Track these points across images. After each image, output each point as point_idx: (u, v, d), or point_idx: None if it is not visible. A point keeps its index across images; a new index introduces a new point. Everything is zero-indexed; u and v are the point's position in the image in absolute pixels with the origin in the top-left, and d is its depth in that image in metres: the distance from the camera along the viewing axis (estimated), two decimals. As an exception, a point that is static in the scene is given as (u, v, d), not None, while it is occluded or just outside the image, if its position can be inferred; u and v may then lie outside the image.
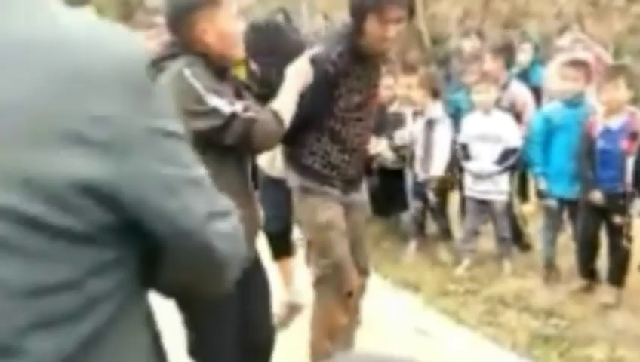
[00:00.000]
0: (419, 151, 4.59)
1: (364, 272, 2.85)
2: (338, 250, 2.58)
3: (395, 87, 4.90)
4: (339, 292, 2.60)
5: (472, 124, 4.38)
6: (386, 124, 4.76)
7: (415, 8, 2.52)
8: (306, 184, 2.60)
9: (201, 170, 0.82)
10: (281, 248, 3.55)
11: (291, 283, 3.66)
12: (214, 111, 1.91)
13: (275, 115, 2.08)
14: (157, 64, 1.94)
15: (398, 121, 4.83)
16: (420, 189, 4.65)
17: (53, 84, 0.68)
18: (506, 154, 4.26)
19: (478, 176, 4.33)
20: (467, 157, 4.38)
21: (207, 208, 0.81)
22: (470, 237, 4.47)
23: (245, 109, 1.97)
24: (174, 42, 2.03)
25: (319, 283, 2.64)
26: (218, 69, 2.01)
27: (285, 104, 2.16)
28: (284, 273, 3.64)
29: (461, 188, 4.81)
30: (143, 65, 0.75)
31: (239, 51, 2.09)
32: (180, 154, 0.79)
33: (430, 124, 4.56)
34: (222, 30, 1.99)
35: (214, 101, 1.91)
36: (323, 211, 2.58)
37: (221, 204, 0.85)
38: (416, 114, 4.68)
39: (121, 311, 0.75)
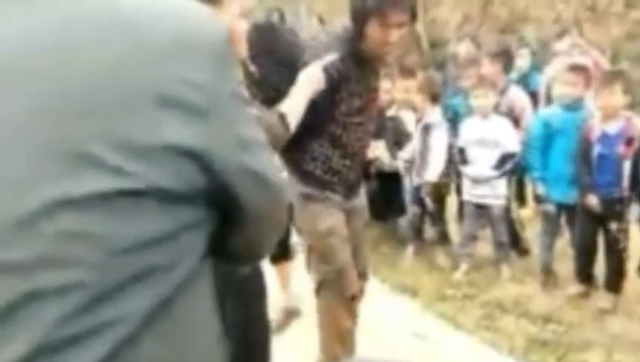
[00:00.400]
0: (415, 156, 4.60)
1: (362, 277, 2.84)
2: (340, 257, 2.57)
3: (393, 90, 4.91)
4: (342, 296, 2.59)
5: (470, 129, 4.37)
6: (384, 128, 4.76)
7: (417, 13, 2.51)
8: (307, 190, 2.59)
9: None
10: (279, 252, 3.55)
11: (288, 288, 3.66)
12: None
13: (282, 118, 2.08)
14: None
15: (397, 126, 4.84)
16: (417, 194, 4.66)
17: (147, 52, 0.72)
18: (504, 159, 4.26)
19: (476, 181, 4.33)
20: (465, 161, 4.38)
21: (272, 164, 0.90)
22: (468, 241, 4.47)
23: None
24: None
25: (321, 289, 2.63)
26: None
27: (293, 108, 2.16)
28: (282, 277, 3.64)
29: (459, 192, 4.82)
30: (222, 34, 0.80)
31: (241, 50, 2.09)
32: (250, 118, 0.86)
33: (427, 129, 4.57)
34: None
35: None
36: (324, 218, 2.57)
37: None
38: (419, 121, 4.68)
39: (200, 267, 0.80)
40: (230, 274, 1.73)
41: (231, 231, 0.85)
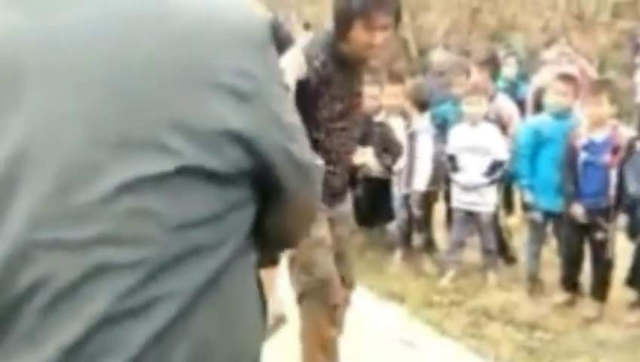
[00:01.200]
0: (402, 162, 4.60)
1: (349, 285, 2.81)
2: (322, 267, 2.53)
3: (381, 96, 4.90)
4: (325, 306, 2.55)
5: (459, 136, 4.37)
6: (372, 134, 4.75)
7: (401, 16, 2.49)
8: None
9: None
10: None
11: (275, 293, 3.64)
12: None
13: None
14: None
15: (384, 132, 4.83)
16: (405, 200, 4.66)
17: (203, 44, 0.79)
18: (493, 167, 4.26)
19: (466, 188, 4.32)
20: (455, 168, 4.37)
21: (309, 150, 0.97)
22: (455, 248, 4.47)
23: None
24: None
25: (304, 298, 2.59)
26: None
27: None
28: (268, 282, 3.62)
29: (447, 199, 4.82)
30: (265, 26, 0.86)
31: None
32: (291, 105, 0.93)
33: (413, 136, 4.57)
34: None
35: None
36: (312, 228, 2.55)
37: None
38: (407, 127, 4.68)
39: (244, 246, 0.87)
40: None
41: (268, 214, 0.91)
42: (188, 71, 0.77)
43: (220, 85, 0.78)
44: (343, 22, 2.36)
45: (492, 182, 4.31)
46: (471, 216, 4.39)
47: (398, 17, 2.43)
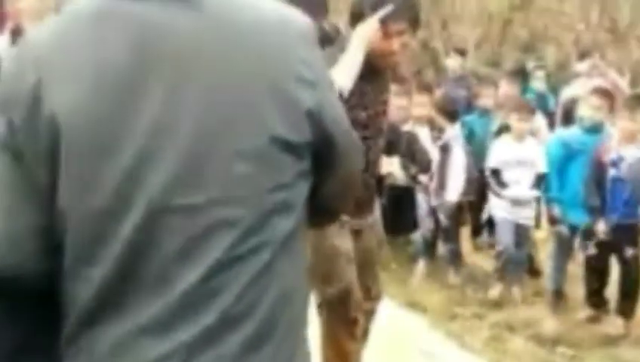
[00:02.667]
0: (435, 176, 4.57)
1: (375, 297, 2.74)
2: (343, 278, 2.49)
3: (409, 106, 4.89)
4: (344, 318, 2.51)
5: (504, 149, 4.30)
6: (399, 143, 4.75)
7: (419, 21, 2.45)
8: None
9: None
10: None
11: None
12: None
13: None
14: None
15: (411, 141, 4.82)
16: (433, 211, 4.63)
17: (283, 45, 1.01)
18: (539, 180, 4.22)
19: (517, 202, 4.25)
20: (499, 183, 4.28)
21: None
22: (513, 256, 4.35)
23: None
24: None
25: (323, 309, 2.56)
26: None
27: (344, 69, 2.15)
28: None
29: (479, 210, 4.78)
30: (312, 26, 1.08)
31: None
32: (334, 86, 1.20)
33: (445, 148, 4.54)
34: None
35: None
36: (329, 238, 2.47)
37: None
38: (436, 138, 4.66)
39: (304, 209, 1.04)
40: None
41: (322, 183, 1.07)
42: (280, 66, 0.99)
43: (298, 76, 1.00)
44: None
45: (537, 196, 4.30)
46: (519, 229, 4.33)
47: (415, 23, 2.40)
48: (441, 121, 4.61)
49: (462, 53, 6.31)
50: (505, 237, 4.32)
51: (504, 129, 4.55)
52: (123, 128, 0.91)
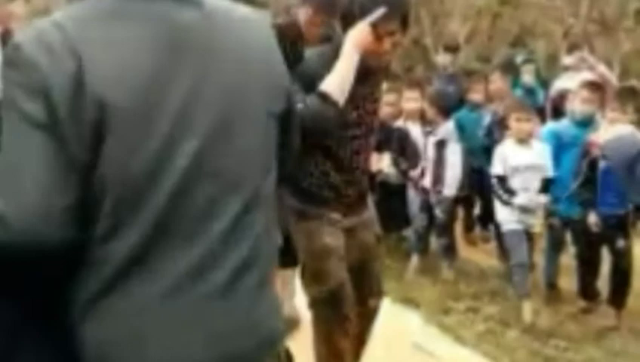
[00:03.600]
0: (429, 171, 4.58)
1: (377, 294, 2.73)
2: (333, 277, 2.49)
3: (399, 102, 4.91)
4: (335, 316, 2.51)
5: (509, 155, 4.04)
6: (390, 140, 4.77)
7: (409, 20, 2.44)
8: (303, 207, 2.51)
9: None
10: (285, 258, 3.47)
11: (290, 296, 3.64)
12: None
13: (322, 96, 2.12)
14: None
15: (402, 137, 4.84)
16: (426, 206, 4.65)
17: (273, 52, 1.31)
18: (546, 184, 4.03)
19: (526, 210, 3.99)
20: (506, 190, 4.02)
21: None
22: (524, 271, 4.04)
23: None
24: None
25: (314, 307, 2.57)
26: None
27: (339, 78, 2.18)
28: (283, 284, 3.60)
29: (471, 206, 4.79)
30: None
31: None
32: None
33: (441, 144, 4.56)
34: None
35: None
36: (319, 236, 2.48)
37: None
38: (427, 133, 4.67)
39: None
40: None
41: (287, 141, 1.36)
42: (265, 49, 1.29)
43: (278, 57, 1.31)
44: (349, 29, 2.34)
45: (545, 201, 4.08)
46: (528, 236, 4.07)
47: (405, 22, 2.40)
48: (434, 117, 4.62)
49: (453, 49, 6.32)
50: (519, 251, 3.98)
51: (497, 123, 4.58)
52: (160, 101, 1.09)
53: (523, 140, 4.02)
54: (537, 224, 4.06)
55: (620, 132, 2.04)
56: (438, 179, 4.57)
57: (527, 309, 3.88)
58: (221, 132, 1.15)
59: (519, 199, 3.97)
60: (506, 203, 4.01)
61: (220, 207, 1.16)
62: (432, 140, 4.61)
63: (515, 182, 3.99)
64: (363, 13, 2.30)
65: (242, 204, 1.18)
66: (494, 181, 4.09)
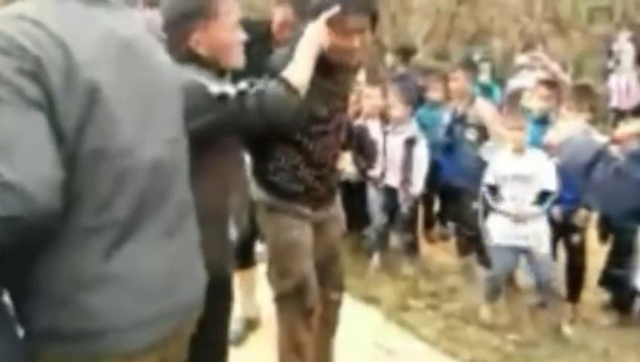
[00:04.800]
0: (396, 170, 4.58)
1: (339, 288, 2.80)
2: (300, 270, 2.52)
3: (359, 100, 4.91)
4: (300, 310, 2.54)
5: (503, 164, 3.86)
6: (351, 138, 4.75)
7: (379, 18, 2.46)
8: (272, 201, 2.54)
9: None
10: (243, 259, 3.46)
11: (252, 297, 3.62)
12: (223, 98, 1.92)
13: (282, 81, 2.07)
14: None
15: (363, 134, 4.83)
16: (388, 204, 4.65)
17: (174, 74, 1.63)
18: (543, 196, 3.76)
19: (517, 219, 3.78)
20: (497, 199, 3.89)
21: None
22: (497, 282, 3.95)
23: (251, 85, 1.99)
24: (168, 51, 2.07)
25: (279, 301, 2.59)
26: (213, 73, 2.02)
27: (297, 68, 2.14)
28: (246, 284, 3.58)
29: (431, 203, 4.80)
30: None
31: (238, 61, 2.08)
32: None
33: (411, 142, 4.56)
34: (216, 42, 2.00)
35: (218, 89, 1.92)
36: (287, 230, 2.51)
37: None
38: (386, 133, 4.67)
39: None
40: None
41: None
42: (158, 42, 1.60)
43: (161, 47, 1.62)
44: None
45: (543, 214, 3.79)
46: (519, 252, 3.85)
47: (374, 20, 2.41)
48: (401, 115, 4.61)
49: (405, 52, 6.35)
50: (498, 266, 3.91)
51: (457, 121, 4.61)
52: (134, 84, 1.37)
53: (517, 150, 3.82)
54: (536, 241, 3.75)
55: (573, 133, 2.05)
56: (407, 176, 4.57)
57: (486, 310, 3.93)
58: (171, 110, 1.54)
59: (506, 206, 3.82)
60: (492, 208, 3.90)
61: (179, 171, 1.52)
62: (400, 138, 4.60)
63: (504, 192, 3.85)
64: (315, 15, 2.30)
65: (187, 168, 1.57)
66: (485, 189, 3.96)
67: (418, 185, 4.57)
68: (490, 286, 3.96)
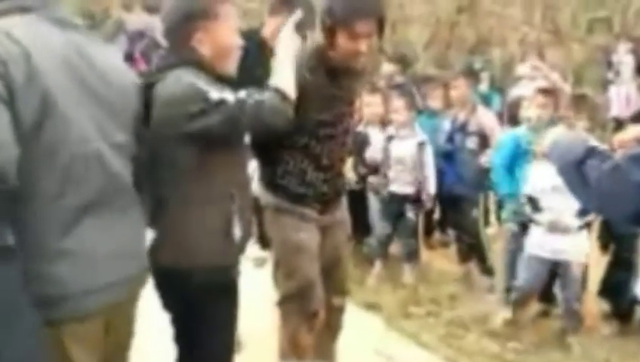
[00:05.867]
0: (405, 175, 4.58)
1: (343, 292, 2.81)
2: (305, 273, 2.53)
3: (359, 107, 4.91)
4: (303, 312, 2.55)
5: (541, 175, 3.69)
6: (352, 144, 4.76)
7: (385, 22, 2.49)
8: (280, 204, 2.55)
9: None
10: None
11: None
12: (222, 103, 1.94)
13: (277, 91, 2.08)
14: (155, 75, 2.05)
15: (364, 141, 4.85)
16: (393, 211, 4.64)
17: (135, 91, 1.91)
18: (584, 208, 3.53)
19: (556, 231, 3.68)
20: (537, 209, 3.77)
21: None
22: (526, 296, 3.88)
23: (249, 95, 2.01)
24: (169, 54, 2.11)
25: (283, 303, 2.60)
26: (211, 79, 2.04)
27: (283, 77, 2.16)
28: None
29: (431, 210, 4.81)
30: None
31: (232, 65, 2.13)
32: None
33: (422, 146, 4.58)
34: (217, 42, 2.06)
35: (218, 95, 1.95)
36: (294, 232, 2.53)
37: None
38: (391, 138, 4.67)
39: None
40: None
41: None
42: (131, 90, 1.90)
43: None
44: (328, 31, 2.39)
45: (583, 226, 3.70)
46: (553, 265, 3.76)
47: (381, 25, 2.44)
48: (409, 120, 4.61)
49: (398, 61, 6.37)
50: (528, 276, 3.81)
51: (458, 129, 4.63)
52: (87, 93, 1.68)
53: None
54: (573, 251, 3.68)
55: (558, 134, 2.02)
56: (421, 179, 4.57)
57: (498, 317, 3.89)
58: (116, 113, 1.79)
59: (544, 218, 3.71)
60: (531, 220, 3.80)
61: (124, 172, 1.81)
62: (408, 142, 4.59)
63: (543, 204, 3.74)
64: (344, 18, 2.34)
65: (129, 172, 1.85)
66: (523, 201, 3.86)
67: (433, 185, 4.58)
68: (515, 296, 3.86)
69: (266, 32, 3.38)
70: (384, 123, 4.89)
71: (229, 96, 1.97)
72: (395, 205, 4.65)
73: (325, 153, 2.53)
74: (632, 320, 3.94)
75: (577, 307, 3.76)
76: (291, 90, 2.15)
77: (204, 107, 1.93)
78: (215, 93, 1.95)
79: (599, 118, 7.20)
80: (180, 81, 1.97)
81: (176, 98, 1.94)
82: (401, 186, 4.63)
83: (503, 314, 3.94)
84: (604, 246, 4.06)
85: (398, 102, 4.67)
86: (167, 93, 1.97)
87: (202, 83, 1.97)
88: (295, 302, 2.55)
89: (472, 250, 4.64)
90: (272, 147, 2.44)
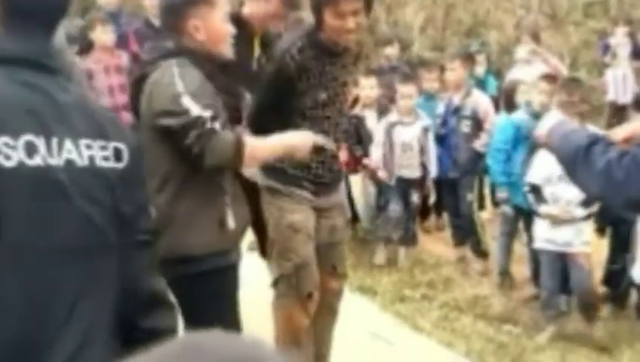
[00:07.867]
0: (412, 160, 4.58)
1: (341, 276, 2.82)
2: (300, 253, 2.54)
3: (356, 89, 4.87)
4: (298, 293, 2.56)
5: (545, 164, 3.55)
6: (347, 127, 4.73)
7: (372, 2, 2.50)
8: (275, 185, 2.57)
9: None
10: None
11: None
12: (185, 113, 1.95)
13: (237, 142, 2.01)
14: (150, 64, 2.06)
15: (358, 125, 4.82)
16: (403, 193, 4.62)
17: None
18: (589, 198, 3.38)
19: (561, 222, 3.60)
20: (541, 199, 3.70)
21: None
22: (553, 299, 3.75)
23: (213, 119, 1.96)
24: (165, 43, 2.11)
25: (278, 284, 2.60)
26: (208, 69, 2.04)
27: (260, 146, 2.15)
28: None
29: (426, 195, 4.83)
30: None
31: (227, 51, 2.13)
32: None
33: (426, 131, 4.57)
34: (213, 29, 2.07)
35: (188, 103, 1.95)
36: (289, 213, 2.54)
37: None
38: (393, 125, 4.63)
39: None
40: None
41: None
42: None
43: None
44: (315, 9, 2.41)
45: (589, 216, 3.65)
46: (561, 257, 3.68)
47: (369, 2, 2.44)
48: (410, 103, 4.59)
49: (384, 44, 6.28)
50: (548, 276, 3.72)
51: (452, 112, 4.60)
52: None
53: None
54: (578, 243, 3.60)
55: (555, 120, 2.00)
56: (425, 164, 4.58)
57: (546, 334, 3.67)
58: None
59: (547, 209, 3.66)
60: (535, 212, 3.75)
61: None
62: (414, 128, 4.57)
63: (547, 193, 3.66)
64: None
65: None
66: (527, 189, 3.78)
67: (434, 169, 4.60)
68: (548, 300, 3.73)
69: (253, 16, 3.33)
70: (380, 106, 4.86)
71: (196, 109, 1.94)
72: (405, 189, 4.65)
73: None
74: (627, 303, 3.95)
75: (592, 298, 3.67)
76: (252, 157, 2.11)
77: (170, 108, 1.96)
78: (187, 100, 1.95)
79: (595, 102, 7.18)
80: (168, 73, 1.98)
81: (153, 90, 2.00)
82: (409, 171, 4.62)
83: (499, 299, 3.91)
84: (600, 230, 4.07)
85: (406, 88, 4.62)
86: (153, 97, 2.01)
87: (185, 85, 1.96)
88: (290, 283, 2.56)
89: (467, 234, 4.64)
90: (268, 129, 2.43)
